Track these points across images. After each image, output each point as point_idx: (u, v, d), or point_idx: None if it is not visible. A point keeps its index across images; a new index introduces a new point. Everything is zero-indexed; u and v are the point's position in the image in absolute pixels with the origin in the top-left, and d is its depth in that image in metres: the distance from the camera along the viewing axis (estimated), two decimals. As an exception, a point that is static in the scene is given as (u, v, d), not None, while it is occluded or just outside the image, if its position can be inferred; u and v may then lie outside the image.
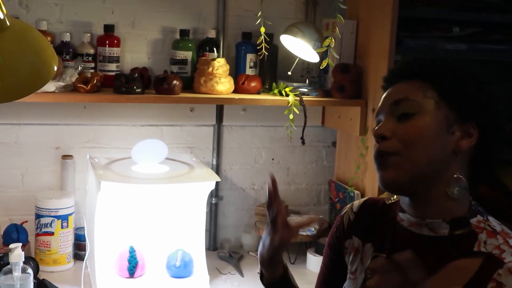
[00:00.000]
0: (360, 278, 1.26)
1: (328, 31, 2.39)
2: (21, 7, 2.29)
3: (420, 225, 1.17)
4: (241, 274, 2.31)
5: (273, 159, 2.68)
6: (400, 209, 1.22)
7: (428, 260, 1.13)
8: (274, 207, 1.30)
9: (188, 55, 2.37)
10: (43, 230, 2.23)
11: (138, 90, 2.20)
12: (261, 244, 1.33)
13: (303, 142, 2.42)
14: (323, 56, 2.23)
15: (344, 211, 1.36)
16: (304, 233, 2.42)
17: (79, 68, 2.22)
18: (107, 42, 2.30)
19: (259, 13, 2.15)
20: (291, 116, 2.29)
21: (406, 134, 1.14)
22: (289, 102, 2.30)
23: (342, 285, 1.33)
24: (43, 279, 2.04)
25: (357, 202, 1.35)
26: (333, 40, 1.70)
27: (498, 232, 1.15)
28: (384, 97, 1.21)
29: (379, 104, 1.21)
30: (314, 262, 2.38)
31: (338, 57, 2.03)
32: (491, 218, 1.19)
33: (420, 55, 1.45)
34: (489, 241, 1.13)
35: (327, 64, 2.18)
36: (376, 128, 1.17)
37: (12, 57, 1.13)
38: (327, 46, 1.70)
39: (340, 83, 2.38)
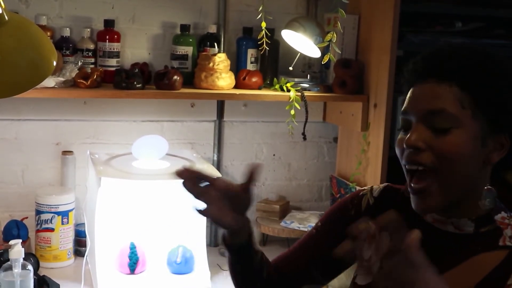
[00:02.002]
0: (375, 266, 1.23)
1: (330, 26, 2.38)
2: (20, 2, 2.28)
3: (445, 223, 1.15)
4: (242, 270, 2.30)
5: (274, 155, 2.67)
6: None
7: (452, 255, 1.12)
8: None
9: (188, 50, 2.36)
10: (44, 226, 2.22)
11: (139, 85, 2.19)
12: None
13: (304, 138, 2.41)
14: (324, 51, 2.22)
15: (363, 192, 1.31)
16: (306, 229, 2.42)
17: (79, 64, 2.21)
18: (107, 37, 2.29)
19: (260, 8, 2.14)
20: (292, 112, 2.28)
21: (443, 149, 1.08)
22: (290, 98, 2.29)
23: (326, 252, 1.25)
24: (44, 276, 2.03)
25: (376, 187, 1.31)
26: (335, 35, 1.69)
27: None
28: (414, 97, 1.12)
29: (407, 101, 1.13)
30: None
31: (340, 52, 2.02)
32: None
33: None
34: None
35: (329, 59, 2.16)
36: (409, 136, 1.10)
37: (11, 52, 1.12)
38: (328, 41, 1.68)
39: (341, 78, 2.36)
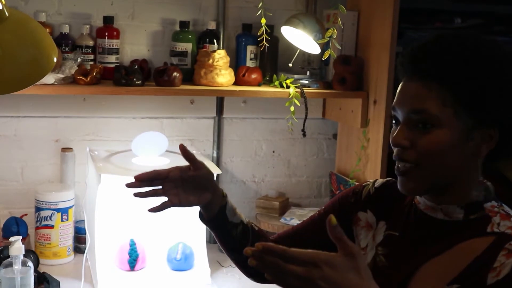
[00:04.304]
0: (371, 254, 1.27)
1: (329, 23, 2.37)
2: (19, -2, 2.28)
3: (435, 209, 1.18)
4: (242, 267, 2.30)
5: (273, 152, 2.67)
6: None
7: (441, 241, 1.15)
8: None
9: (188, 47, 2.35)
10: (43, 223, 2.22)
11: (138, 82, 2.18)
12: None
13: (304, 134, 2.41)
14: (324, 47, 2.22)
15: (367, 183, 1.36)
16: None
17: (79, 60, 2.20)
18: (106, 34, 2.29)
19: (260, 4, 2.13)
20: (292, 108, 2.28)
21: (424, 147, 1.11)
22: (290, 94, 2.29)
23: (323, 236, 1.28)
24: (44, 272, 2.03)
25: (380, 180, 1.36)
26: (335, 31, 1.69)
27: None
28: (401, 94, 1.16)
29: (396, 96, 1.17)
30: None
31: (340, 48, 2.02)
32: (504, 205, 1.19)
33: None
34: (503, 223, 1.13)
35: (328, 56, 2.16)
36: (394, 135, 1.15)
37: (11, 48, 1.12)
38: (329, 37, 1.68)
39: (341, 75, 2.36)
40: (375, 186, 1.34)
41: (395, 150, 1.16)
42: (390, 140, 1.16)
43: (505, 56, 1.14)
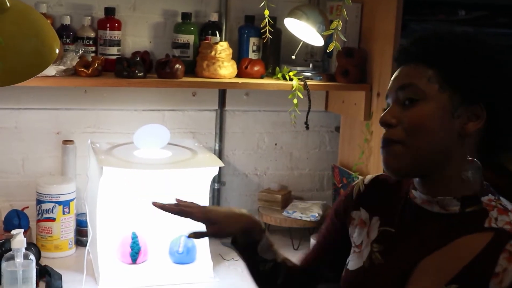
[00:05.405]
0: (366, 251, 1.25)
1: (333, 15, 2.36)
2: (20, -11, 2.26)
3: (431, 202, 1.17)
4: (244, 260, 2.29)
5: (276, 144, 2.66)
6: (413, 186, 1.22)
7: (438, 236, 1.14)
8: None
9: (190, 38, 2.34)
10: (45, 216, 2.21)
11: (140, 74, 2.17)
12: None
13: (307, 127, 2.40)
14: (327, 40, 2.20)
15: (356, 182, 1.36)
16: (308, 219, 2.41)
17: (80, 52, 2.18)
18: (108, 25, 2.27)
19: (263, -4, 2.11)
20: (295, 101, 2.27)
21: (410, 122, 1.13)
22: (293, 87, 2.27)
23: (338, 254, 1.34)
24: (45, 265, 2.02)
25: (370, 176, 1.35)
26: (341, 22, 1.67)
27: (510, 210, 1.14)
28: (392, 80, 1.20)
29: (389, 85, 1.20)
30: (318, 248, 2.36)
31: (345, 40, 2.00)
32: (502, 198, 1.18)
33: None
34: (500, 217, 1.12)
35: (332, 48, 2.14)
36: (382, 114, 1.17)
37: (13, 38, 1.11)
38: (334, 29, 1.66)
39: (344, 67, 2.35)
40: (365, 183, 1.33)
41: (384, 133, 1.17)
42: (379, 120, 1.17)
43: (491, 43, 1.18)
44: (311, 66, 2.46)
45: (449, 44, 1.16)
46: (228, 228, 1.35)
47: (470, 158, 1.16)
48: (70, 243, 2.27)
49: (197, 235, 1.34)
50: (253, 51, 2.41)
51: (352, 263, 1.27)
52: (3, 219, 2.21)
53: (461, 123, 1.13)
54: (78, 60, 2.15)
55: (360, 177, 1.37)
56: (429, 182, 1.17)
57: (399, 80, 1.17)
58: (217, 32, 2.38)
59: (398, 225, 1.22)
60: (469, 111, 1.13)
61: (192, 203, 1.38)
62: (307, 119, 2.37)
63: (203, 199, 2.20)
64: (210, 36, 2.36)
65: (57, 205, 2.21)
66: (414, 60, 1.16)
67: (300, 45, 2.35)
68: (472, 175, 1.16)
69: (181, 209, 1.35)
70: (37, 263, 1.96)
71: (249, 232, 1.36)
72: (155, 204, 1.35)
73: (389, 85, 1.20)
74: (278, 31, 2.41)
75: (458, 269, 1.10)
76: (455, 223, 1.14)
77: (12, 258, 1.81)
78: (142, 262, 2.15)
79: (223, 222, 1.35)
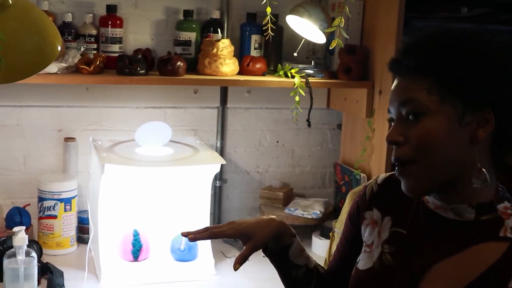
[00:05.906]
0: (376, 252, 1.23)
1: (335, 12, 2.35)
2: (22, -14, 2.25)
3: (445, 208, 1.15)
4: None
5: (277, 142, 2.65)
6: None
7: (452, 242, 1.12)
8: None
9: (192, 36, 2.33)
10: (46, 213, 2.21)
11: (142, 71, 2.16)
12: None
13: (309, 125, 2.39)
14: (329, 37, 2.20)
15: (369, 182, 1.34)
16: (310, 217, 2.41)
17: (82, 49, 2.18)
18: (109, 22, 2.27)
19: (265, -7, 2.11)
20: (297, 98, 2.26)
21: (418, 141, 1.09)
22: (295, 84, 2.27)
23: (351, 253, 1.32)
24: (47, 263, 2.03)
25: (383, 175, 1.32)
26: (343, 19, 1.66)
27: None
28: (391, 92, 1.16)
29: (389, 97, 1.16)
30: (319, 246, 2.36)
31: (348, 37, 1.99)
32: None
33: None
34: None
35: (334, 45, 2.13)
36: (388, 133, 1.13)
37: (16, 35, 1.10)
38: (336, 26, 1.65)
39: (346, 64, 2.34)
40: (378, 182, 1.31)
41: (393, 152, 1.13)
42: (386, 139, 1.13)
43: (488, 39, 1.13)
44: (313, 64, 2.45)
45: (442, 48, 1.10)
46: (263, 237, 1.31)
47: (478, 168, 1.11)
48: (72, 241, 2.27)
49: (241, 261, 1.28)
50: (255, 49, 2.41)
51: (362, 262, 1.25)
52: (4, 216, 2.22)
53: (471, 130, 1.08)
54: (80, 57, 2.15)
55: (373, 178, 1.35)
56: (442, 190, 1.14)
57: (398, 95, 1.13)
58: (219, 30, 2.38)
59: (410, 228, 1.20)
60: (477, 117, 1.08)
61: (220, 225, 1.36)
62: (309, 116, 2.37)
63: (204, 197, 2.20)
64: (212, 34, 2.36)
65: (58, 202, 2.21)
66: (409, 72, 1.11)
67: (302, 43, 2.34)
68: (480, 185, 1.11)
69: (212, 231, 1.31)
70: (39, 261, 1.96)
71: (281, 237, 1.34)
72: (183, 234, 1.31)
73: (390, 96, 1.16)
74: (280, 28, 2.41)
75: (471, 278, 1.07)
76: (470, 231, 1.12)
77: (14, 255, 1.81)
78: (144, 259, 2.15)
79: (257, 231, 1.31)
